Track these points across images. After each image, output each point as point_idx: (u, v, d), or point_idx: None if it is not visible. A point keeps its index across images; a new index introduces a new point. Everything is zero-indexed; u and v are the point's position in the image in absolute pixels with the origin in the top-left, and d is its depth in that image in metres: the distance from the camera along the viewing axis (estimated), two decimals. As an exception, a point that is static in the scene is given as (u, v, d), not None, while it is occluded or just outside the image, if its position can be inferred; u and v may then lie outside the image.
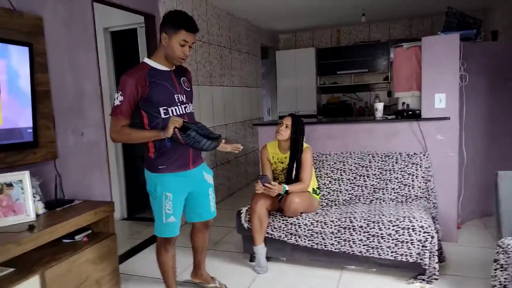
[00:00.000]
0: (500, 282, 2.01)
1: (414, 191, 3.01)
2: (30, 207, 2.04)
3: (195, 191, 2.25)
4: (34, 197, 2.10)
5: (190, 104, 2.18)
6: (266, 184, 2.67)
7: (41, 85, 2.29)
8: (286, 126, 2.87)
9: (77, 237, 2.26)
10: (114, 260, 2.40)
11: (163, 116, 2.02)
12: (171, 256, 2.29)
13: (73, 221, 2.07)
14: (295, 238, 2.77)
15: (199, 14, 4.46)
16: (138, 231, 3.85)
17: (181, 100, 2.10)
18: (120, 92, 1.96)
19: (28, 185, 2.05)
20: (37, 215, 2.09)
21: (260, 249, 2.81)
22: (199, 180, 2.25)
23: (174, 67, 2.13)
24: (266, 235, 2.84)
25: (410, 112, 3.23)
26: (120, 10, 3.27)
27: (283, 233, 2.80)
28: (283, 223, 2.80)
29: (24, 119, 2.15)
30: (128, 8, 3.28)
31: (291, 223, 2.78)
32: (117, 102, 1.96)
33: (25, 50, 2.14)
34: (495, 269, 2.04)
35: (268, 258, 2.92)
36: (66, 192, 2.54)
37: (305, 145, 2.93)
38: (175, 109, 2.06)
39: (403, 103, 3.40)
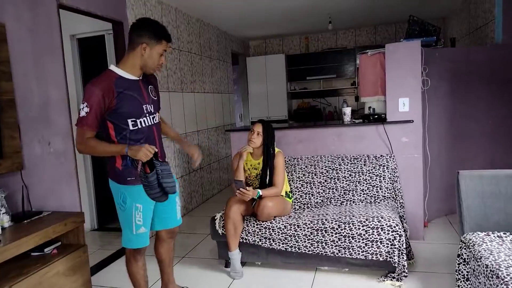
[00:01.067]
0: (463, 275, 2.12)
1: (382, 191, 3.12)
2: (-5, 220, 1.96)
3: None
4: (-1, 209, 2.03)
5: (157, 113, 2.13)
6: (240, 189, 2.70)
7: (5, 93, 2.23)
8: (258, 133, 2.91)
9: (46, 250, 2.19)
10: (86, 272, 2.34)
11: (131, 127, 1.96)
12: (141, 266, 2.23)
13: (42, 233, 2.01)
14: (269, 242, 2.80)
15: (169, 20, 4.45)
16: (109, 242, 3.77)
17: (149, 110, 2.04)
18: (85, 103, 1.86)
19: (-7, 197, 1.97)
20: (3, 229, 2.02)
21: (235, 255, 2.82)
22: None
23: (141, 76, 2.05)
24: (241, 240, 2.85)
25: (376, 116, 3.35)
26: (87, 17, 3.22)
27: (257, 238, 2.83)
28: (257, 228, 2.83)
29: (-13, 129, 2.08)
30: (96, 15, 3.23)
31: (265, 227, 2.81)
32: (82, 113, 1.87)
33: (-13, 58, 2.07)
34: (459, 264, 2.15)
35: (243, 263, 2.94)
36: (34, 203, 2.46)
37: (276, 149, 2.98)
38: (144, 120, 2.01)
39: (369, 108, 3.52)
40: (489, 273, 1.77)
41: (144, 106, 2.01)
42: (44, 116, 2.65)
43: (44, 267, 2.04)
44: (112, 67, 1.99)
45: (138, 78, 2.02)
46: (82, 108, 1.87)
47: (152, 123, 2.06)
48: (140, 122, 1.99)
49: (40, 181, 2.57)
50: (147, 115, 2.02)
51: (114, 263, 3.24)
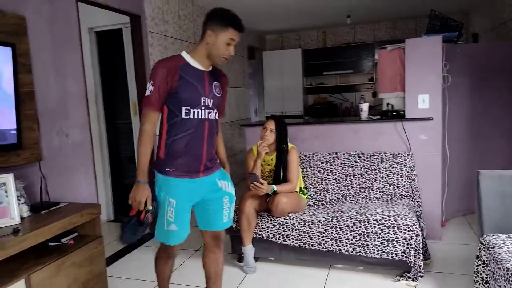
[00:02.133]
0: (482, 278, 2.07)
1: (399, 190, 3.06)
2: (15, 210, 2.00)
3: (207, 198, 2.02)
4: (19, 200, 2.06)
5: (215, 111, 1.97)
6: (255, 182, 2.69)
7: (24, 86, 2.25)
8: (271, 130, 2.88)
9: (63, 240, 2.23)
10: (101, 263, 2.38)
11: (183, 116, 1.86)
12: (169, 266, 2.12)
13: (59, 224, 2.04)
14: (283, 238, 2.79)
15: (185, 14, 4.45)
16: (125, 233, 3.81)
17: (207, 104, 1.91)
18: (151, 81, 1.81)
19: (12, 188, 2.01)
20: (22, 219, 2.05)
21: (249, 250, 2.82)
22: (211, 188, 2.02)
23: (210, 68, 1.95)
24: (254, 235, 2.85)
25: (394, 113, 3.28)
26: (105, 10, 3.24)
27: (271, 233, 2.82)
28: (271, 223, 2.82)
29: (7, 121, 2.11)
30: (113, 8, 3.25)
31: (279, 223, 2.79)
32: (147, 92, 1.81)
33: (7, 51, 2.10)
34: (477, 266, 2.10)
35: (256, 258, 2.93)
36: (52, 194, 2.51)
37: (290, 145, 2.95)
38: (198, 112, 1.89)
39: (388, 104, 3.45)
40: (510, 276, 1.72)
41: (202, 98, 1.89)
42: (62, 108, 2.69)
43: (61, 257, 2.07)
44: (183, 53, 1.92)
45: (205, 70, 1.92)
46: (148, 87, 1.83)
47: (206, 117, 1.93)
48: (194, 112, 1.87)
49: (58, 173, 2.61)
50: (203, 107, 1.90)
51: (129, 254, 3.28)
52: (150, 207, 1.84)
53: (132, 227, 1.82)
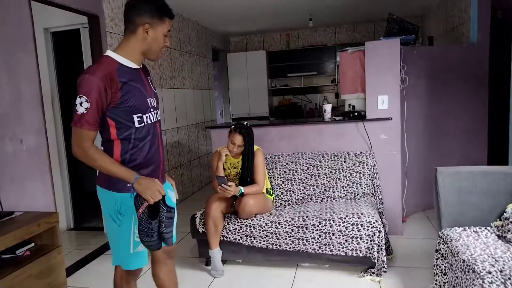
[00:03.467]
0: (441, 270, 2.16)
1: (362, 188, 3.15)
2: (-37, 221, 1.87)
3: None
4: (-33, 210, 1.93)
5: (158, 109, 1.79)
6: (222, 185, 2.66)
7: (-28, 88, 2.12)
8: (239, 146, 2.83)
9: (18, 252, 2.10)
10: (61, 273, 2.26)
11: (137, 125, 1.63)
12: None
13: (13, 234, 1.92)
14: (250, 239, 2.79)
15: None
16: (86, 241, 3.67)
17: (152, 105, 1.72)
18: (84, 96, 1.51)
19: (-40, 197, 1.88)
20: (-29, 230, 1.92)
21: (216, 253, 2.79)
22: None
23: (141, 65, 1.74)
24: (221, 238, 2.82)
25: (356, 113, 3.37)
26: (62, 10, 3.10)
27: (238, 235, 2.80)
28: (238, 225, 2.80)
29: (-47, 126, 1.97)
30: (70, 8, 3.12)
31: (246, 225, 2.79)
32: (81, 109, 1.51)
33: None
34: (437, 258, 2.19)
35: (224, 261, 2.91)
36: (5, 203, 2.36)
37: (256, 147, 2.95)
38: (149, 116, 1.69)
39: (349, 105, 3.54)
40: (465, 267, 1.81)
41: (148, 99, 1.69)
42: (15, 112, 2.54)
43: (16, 270, 1.95)
44: (110, 53, 1.64)
45: (138, 67, 1.70)
46: (80, 103, 1.52)
47: (156, 119, 1.75)
48: (146, 118, 1.67)
49: (11, 180, 2.47)
50: (151, 109, 1.70)
51: (91, 264, 3.15)
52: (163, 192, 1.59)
53: (153, 228, 1.56)
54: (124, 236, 1.69)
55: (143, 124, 1.66)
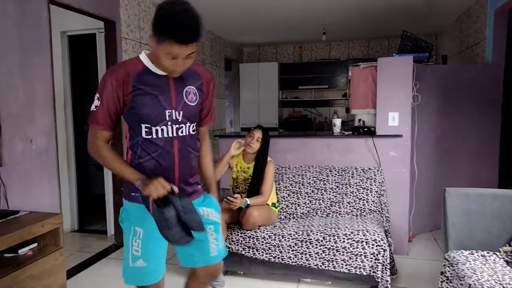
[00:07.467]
0: (446, 293, 2.11)
1: (368, 205, 3.10)
2: (-32, 218, 1.88)
3: None
4: (-27, 207, 1.95)
5: (188, 124, 1.59)
6: (228, 197, 2.66)
7: (-13, 88, 2.16)
8: (257, 140, 2.88)
9: (21, 251, 2.11)
10: (62, 275, 2.26)
11: (144, 135, 1.51)
12: None
13: (17, 234, 1.93)
14: (253, 251, 2.76)
15: (162, 23, 4.40)
16: (89, 244, 3.67)
17: (174, 118, 1.53)
18: (97, 94, 1.48)
19: (-33, 194, 1.90)
20: (-24, 227, 1.93)
21: (217, 263, 2.76)
22: None
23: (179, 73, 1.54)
24: (224, 249, 2.80)
25: (365, 129, 3.35)
26: (79, 14, 3.17)
27: (241, 247, 2.78)
28: (241, 237, 2.78)
29: (-35, 124, 2.01)
30: (87, 13, 3.18)
31: (249, 236, 2.76)
32: (92, 107, 1.49)
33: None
34: (442, 281, 2.14)
35: (225, 272, 2.88)
36: (11, 202, 2.38)
37: (269, 158, 2.95)
38: (163, 129, 1.52)
39: (359, 120, 3.52)
40: (471, 293, 1.76)
41: (167, 111, 1.52)
42: (28, 113, 2.58)
43: (17, 270, 1.96)
44: (142, 55, 1.53)
45: (166, 75, 1.53)
46: (93, 101, 1.50)
47: (175, 135, 1.55)
48: (157, 131, 1.51)
49: (19, 180, 2.49)
50: (169, 123, 1.53)
51: (92, 267, 3.14)
52: (172, 187, 1.45)
53: (170, 218, 1.41)
54: (125, 245, 1.62)
55: (150, 137, 1.52)
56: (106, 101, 1.46)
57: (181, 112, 1.56)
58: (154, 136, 1.52)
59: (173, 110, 1.53)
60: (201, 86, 1.64)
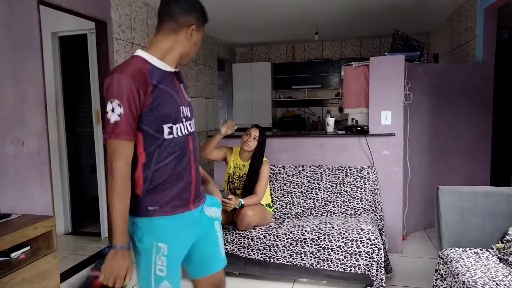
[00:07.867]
0: (440, 291, 2.12)
1: (362, 204, 3.12)
2: (-41, 222, 1.85)
3: (202, 236, 1.59)
4: (-36, 211, 1.92)
5: (193, 120, 1.58)
6: (222, 199, 2.65)
7: (-24, 90, 2.12)
8: (254, 138, 2.89)
9: (13, 255, 2.08)
10: (55, 278, 2.23)
11: (166, 136, 1.40)
12: None
13: (9, 237, 1.91)
14: (248, 251, 2.75)
15: (154, 23, 4.38)
16: (83, 247, 3.64)
17: (186, 114, 1.49)
18: (116, 100, 1.29)
19: (-43, 198, 1.87)
20: (-33, 231, 1.90)
21: (212, 264, 2.76)
22: (203, 220, 1.59)
23: (176, 69, 1.53)
24: (219, 249, 2.79)
25: (358, 128, 3.36)
26: (70, 15, 3.13)
27: (235, 247, 2.77)
28: (236, 237, 2.78)
29: (-45, 126, 1.97)
30: (78, 13, 3.15)
31: (244, 237, 2.76)
32: (114, 117, 1.30)
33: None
34: (436, 279, 2.15)
35: (220, 273, 2.87)
36: (3, 205, 2.35)
37: (264, 158, 2.96)
38: (180, 127, 1.45)
39: (352, 119, 3.53)
40: (465, 290, 1.77)
41: (181, 107, 1.47)
42: (19, 115, 2.55)
43: (9, 274, 1.93)
44: (141, 53, 1.43)
45: (173, 71, 1.49)
46: (113, 110, 1.30)
47: (189, 131, 1.51)
48: (177, 129, 1.44)
49: (11, 182, 2.46)
50: (183, 120, 1.47)
51: (86, 270, 3.12)
52: (128, 281, 1.35)
53: None
54: (144, 267, 1.44)
55: (172, 136, 1.42)
56: (129, 106, 1.31)
57: (188, 108, 1.53)
58: (175, 135, 1.43)
59: (183, 106, 1.49)
60: (186, 83, 1.65)
